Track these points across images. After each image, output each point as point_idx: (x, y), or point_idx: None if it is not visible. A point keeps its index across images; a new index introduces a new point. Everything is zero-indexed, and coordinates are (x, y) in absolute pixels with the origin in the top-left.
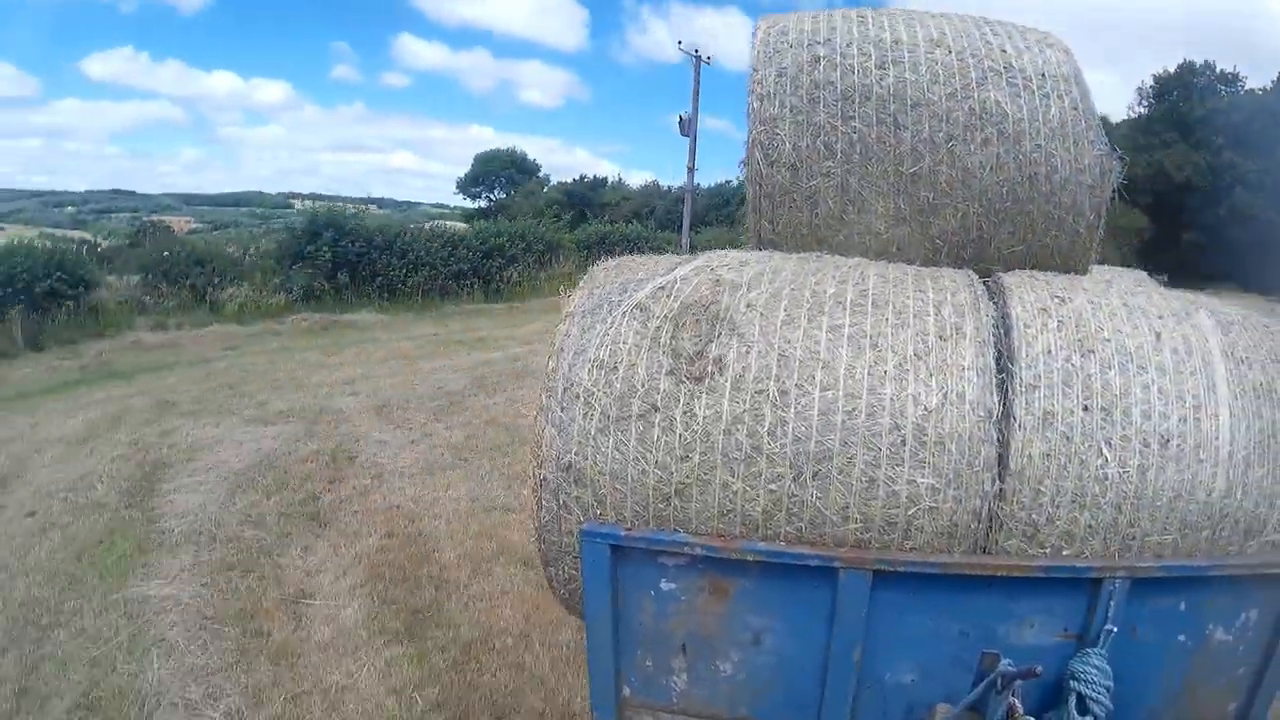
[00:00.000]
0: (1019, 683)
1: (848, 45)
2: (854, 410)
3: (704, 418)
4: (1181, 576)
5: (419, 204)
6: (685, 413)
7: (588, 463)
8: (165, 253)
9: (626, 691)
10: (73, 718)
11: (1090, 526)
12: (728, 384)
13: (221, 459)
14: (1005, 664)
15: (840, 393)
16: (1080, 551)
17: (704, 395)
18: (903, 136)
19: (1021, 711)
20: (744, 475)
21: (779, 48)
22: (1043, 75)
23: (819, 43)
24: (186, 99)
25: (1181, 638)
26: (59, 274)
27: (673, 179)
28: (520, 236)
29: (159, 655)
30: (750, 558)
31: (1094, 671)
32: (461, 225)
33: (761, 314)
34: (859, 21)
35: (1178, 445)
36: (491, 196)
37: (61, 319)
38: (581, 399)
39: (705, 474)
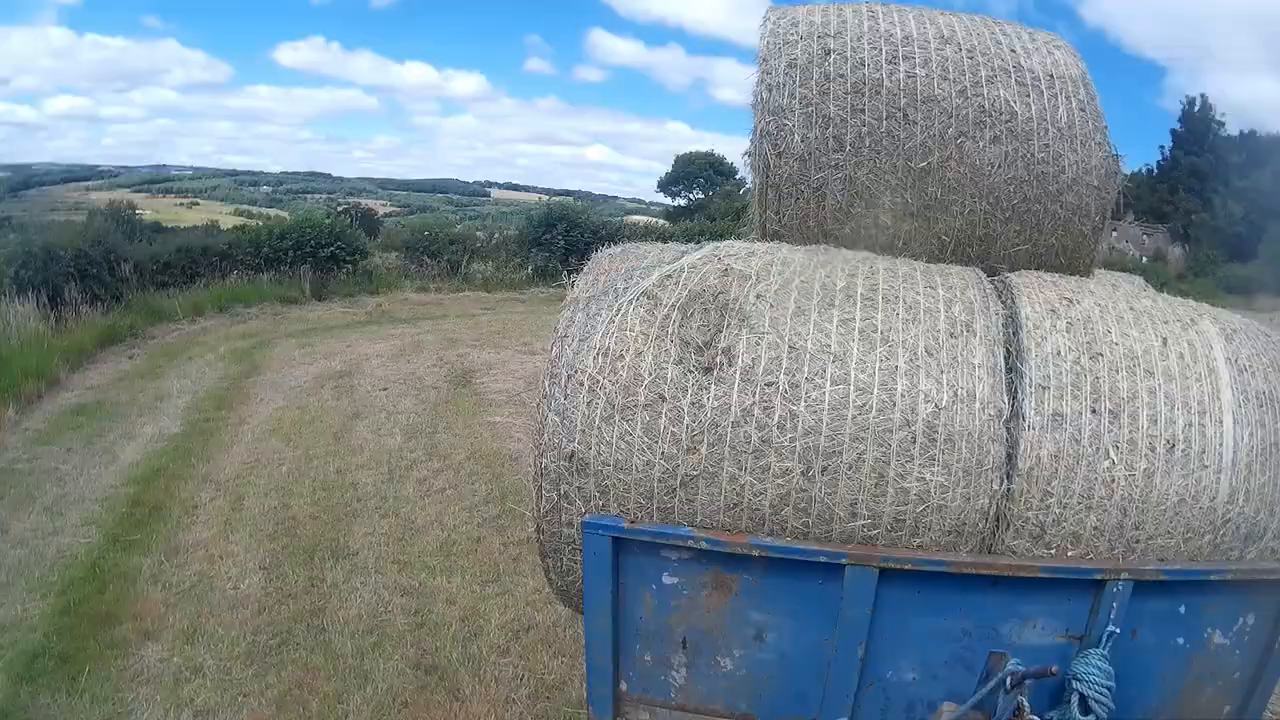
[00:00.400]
0: (1029, 682)
1: (858, 39)
2: (865, 405)
3: (712, 409)
4: (1183, 580)
5: (615, 198)
6: (693, 403)
7: (591, 452)
8: (426, 232)
9: (624, 686)
10: (469, 461)
11: (1096, 528)
12: (737, 375)
13: (511, 369)
14: (1013, 663)
15: (851, 387)
16: (1085, 553)
17: (712, 386)
18: (912, 131)
19: (1029, 711)
20: (752, 469)
21: (789, 38)
22: (1051, 76)
23: (829, 35)
24: (380, 88)
25: (1181, 640)
26: (338, 243)
27: None
28: (720, 236)
29: (512, 441)
30: (756, 553)
31: (1096, 672)
32: (664, 222)
33: (771, 305)
34: (869, 16)
35: (1183, 450)
36: (690, 196)
37: (340, 278)
38: (586, 386)
39: (712, 466)
